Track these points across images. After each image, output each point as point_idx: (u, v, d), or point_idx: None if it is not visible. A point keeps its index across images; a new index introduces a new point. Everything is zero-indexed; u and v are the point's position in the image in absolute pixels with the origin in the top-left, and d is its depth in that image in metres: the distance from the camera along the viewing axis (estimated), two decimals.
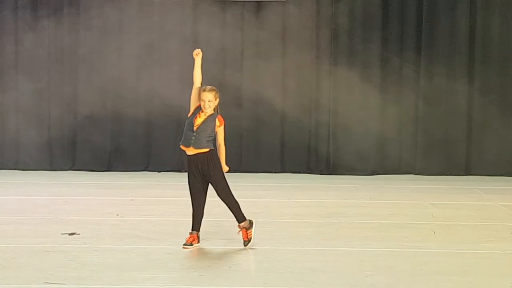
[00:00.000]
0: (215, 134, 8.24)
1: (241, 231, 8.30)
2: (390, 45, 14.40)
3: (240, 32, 14.39)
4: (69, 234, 8.82)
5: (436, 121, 14.40)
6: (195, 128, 8.14)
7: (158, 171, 14.46)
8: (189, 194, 8.31)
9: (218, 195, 8.32)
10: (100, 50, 14.19)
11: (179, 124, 14.44)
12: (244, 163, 14.52)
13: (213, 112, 8.19)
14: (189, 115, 8.25)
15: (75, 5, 14.28)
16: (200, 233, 8.37)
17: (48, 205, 10.69)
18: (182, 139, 8.24)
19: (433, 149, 14.45)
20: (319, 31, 14.40)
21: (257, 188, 12.69)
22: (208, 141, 8.19)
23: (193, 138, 8.14)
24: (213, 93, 8.18)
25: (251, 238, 8.30)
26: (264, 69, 14.34)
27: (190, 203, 8.32)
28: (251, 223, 8.35)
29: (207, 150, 8.18)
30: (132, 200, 11.33)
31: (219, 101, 8.27)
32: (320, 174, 14.40)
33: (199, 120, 8.15)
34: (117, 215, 10.08)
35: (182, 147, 8.27)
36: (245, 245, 8.24)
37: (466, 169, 14.49)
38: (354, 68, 14.31)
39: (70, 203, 10.99)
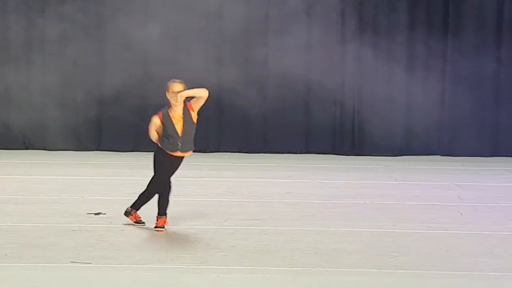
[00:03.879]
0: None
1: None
2: (416, 23, 14.26)
3: (265, 8, 14.31)
4: (95, 214, 8.88)
5: (463, 101, 14.27)
6: (180, 135, 8.08)
7: None
8: (159, 179, 8.22)
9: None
10: (125, 30, 14.19)
11: (203, 105, 14.45)
12: (269, 143, 14.50)
13: (182, 106, 8.07)
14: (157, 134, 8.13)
15: None
16: (222, 213, 8.39)
17: (75, 185, 10.77)
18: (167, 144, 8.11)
19: (460, 130, 14.33)
20: (345, 9, 14.28)
21: (282, 169, 12.68)
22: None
23: (179, 143, 8.10)
24: (183, 85, 8.07)
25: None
26: (289, 48, 14.26)
27: (156, 187, 8.24)
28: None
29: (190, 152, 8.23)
30: None
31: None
32: (346, 155, 14.35)
33: (179, 125, 8.07)
34: None
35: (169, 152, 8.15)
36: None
37: (493, 150, 14.38)
38: (380, 47, 14.20)
39: (96, 183, 11.05)
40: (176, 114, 8.11)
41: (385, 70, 14.19)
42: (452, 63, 14.23)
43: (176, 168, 8.30)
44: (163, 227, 8.21)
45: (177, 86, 8.07)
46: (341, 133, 14.50)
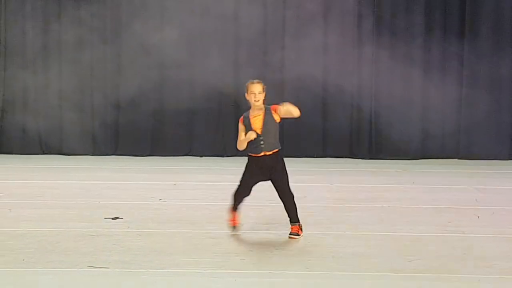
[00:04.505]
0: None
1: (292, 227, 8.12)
2: (433, 25, 14.22)
3: (281, 12, 14.33)
4: (113, 219, 8.91)
5: (480, 104, 14.22)
6: (259, 132, 7.94)
7: (200, 156, 14.52)
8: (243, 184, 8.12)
9: (279, 193, 8.09)
10: (141, 34, 14.24)
11: (221, 108, 14.51)
12: (286, 147, 14.47)
13: (263, 107, 7.95)
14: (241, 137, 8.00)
15: None
16: (242, 217, 8.38)
17: (92, 190, 10.81)
18: (251, 147, 7.98)
19: (477, 133, 14.28)
20: (361, 11, 14.27)
21: (299, 172, 12.66)
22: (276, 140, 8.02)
23: (261, 142, 7.96)
24: (262, 85, 8.02)
25: (300, 234, 8.08)
26: (305, 51, 14.27)
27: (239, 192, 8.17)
28: (302, 229, 8.15)
29: (276, 150, 8.03)
30: (175, 184, 11.40)
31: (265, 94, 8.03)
32: (363, 158, 14.33)
33: (258, 124, 7.93)
34: (160, 199, 10.15)
35: (252, 155, 8.04)
36: (289, 235, 8.05)
37: (511, 153, 14.31)
38: (396, 50, 14.18)
39: (113, 187, 11.09)
40: (256, 113, 7.95)
41: (401, 73, 14.16)
42: (468, 65, 14.17)
43: (269, 172, 8.01)
44: (298, 234, 8.06)
45: (256, 87, 7.95)
46: (358, 137, 14.48)
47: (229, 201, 8.69)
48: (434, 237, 8.15)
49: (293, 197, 8.08)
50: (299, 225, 8.12)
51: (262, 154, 7.99)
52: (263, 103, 7.99)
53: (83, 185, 11.31)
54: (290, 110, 7.85)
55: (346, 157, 14.36)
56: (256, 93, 7.94)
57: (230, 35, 14.39)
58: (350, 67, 14.30)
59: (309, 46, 14.23)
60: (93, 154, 14.50)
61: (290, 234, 8.09)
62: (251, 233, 8.27)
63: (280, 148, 8.09)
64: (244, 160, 14.36)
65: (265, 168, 8.01)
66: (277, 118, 7.97)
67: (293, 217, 8.09)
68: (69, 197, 10.25)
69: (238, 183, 8.21)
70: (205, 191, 10.77)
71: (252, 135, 7.89)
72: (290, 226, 8.13)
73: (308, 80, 14.15)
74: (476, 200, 10.29)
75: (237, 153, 14.58)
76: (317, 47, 14.27)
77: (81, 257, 7.22)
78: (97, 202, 9.94)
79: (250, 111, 8.01)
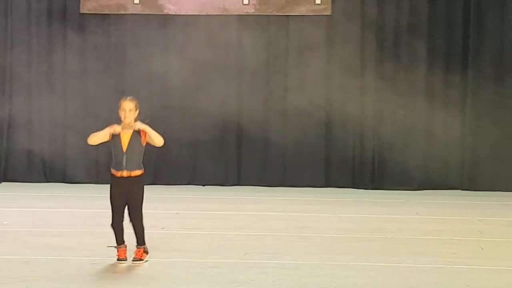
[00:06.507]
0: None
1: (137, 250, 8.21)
2: (436, 58, 14.25)
3: (284, 40, 14.39)
4: (115, 247, 8.87)
5: (484, 134, 14.17)
6: (124, 149, 8.07)
7: (203, 185, 14.51)
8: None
9: (131, 215, 8.21)
10: (145, 66, 14.29)
11: (224, 137, 14.52)
12: (288, 177, 14.49)
13: (133, 125, 8.07)
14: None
15: (120, 23, 14.43)
16: (241, 247, 8.36)
17: (95, 218, 10.78)
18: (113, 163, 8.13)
19: (481, 164, 14.21)
20: (363, 40, 14.31)
21: (301, 202, 12.66)
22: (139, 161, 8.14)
23: (125, 159, 8.07)
24: (134, 103, 8.13)
25: (143, 259, 8.17)
26: (308, 81, 14.29)
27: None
28: (147, 252, 8.27)
29: (139, 173, 8.14)
30: (177, 213, 11.39)
31: (139, 112, 8.18)
32: (365, 188, 14.29)
33: (125, 140, 8.07)
34: (162, 228, 10.13)
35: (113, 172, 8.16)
36: (133, 260, 8.13)
37: None
38: (399, 81, 14.20)
39: None
40: (126, 130, 8.08)
41: (404, 102, 14.12)
42: (472, 94, 14.14)
43: (127, 193, 8.14)
44: (141, 259, 8.16)
45: (127, 104, 8.11)
46: (360, 167, 14.45)
47: (231, 231, 8.73)
48: (437, 268, 8.11)
49: (142, 220, 8.20)
50: (144, 248, 8.21)
51: (122, 172, 8.08)
52: (135, 121, 8.12)
53: (85, 213, 11.29)
54: (152, 137, 8.09)
55: (348, 187, 14.32)
56: (126, 110, 8.11)
57: (233, 64, 14.45)
58: (353, 95, 14.30)
59: (312, 75, 14.26)
60: (96, 183, 14.47)
61: (133, 259, 8.14)
62: (252, 263, 8.24)
63: (142, 170, 8.20)
64: (245, 190, 14.36)
65: (124, 189, 8.11)
66: (143, 142, 8.14)
67: (140, 240, 8.22)
68: (72, 225, 10.24)
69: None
70: (207, 220, 10.75)
71: (117, 128, 8.05)
72: (135, 249, 8.18)
73: (311, 108, 14.16)
74: (480, 231, 10.25)
75: (239, 183, 14.69)
76: (319, 76, 14.29)
77: (84, 285, 7.20)
78: (100, 230, 9.92)
79: (122, 125, 8.13)
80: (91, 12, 14.41)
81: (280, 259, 8.35)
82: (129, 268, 7.92)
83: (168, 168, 14.62)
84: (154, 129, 8.18)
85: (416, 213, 11.67)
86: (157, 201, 12.55)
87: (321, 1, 14.20)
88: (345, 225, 10.57)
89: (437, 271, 8.00)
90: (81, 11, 14.39)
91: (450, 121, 14.18)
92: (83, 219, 10.77)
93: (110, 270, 7.83)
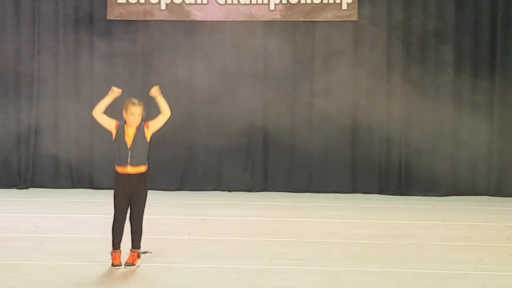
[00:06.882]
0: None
1: (131, 254, 8.19)
2: (463, 63, 14.16)
3: (310, 45, 14.37)
4: (142, 253, 8.89)
5: (511, 141, 14.08)
6: (129, 145, 8.08)
7: (229, 191, 14.51)
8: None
9: (131, 214, 8.19)
10: (172, 72, 14.34)
11: (250, 143, 14.52)
12: (314, 183, 14.46)
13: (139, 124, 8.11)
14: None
15: (147, 30, 14.48)
16: (268, 253, 8.33)
17: None
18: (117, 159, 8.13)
19: (508, 170, 14.11)
20: (390, 45, 14.26)
21: (328, 208, 12.62)
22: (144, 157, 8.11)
23: (129, 154, 8.07)
24: (142, 107, 8.15)
25: (135, 264, 8.16)
26: (334, 86, 14.25)
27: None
28: (139, 257, 8.25)
29: (144, 169, 8.12)
30: (203, 219, 11.40)
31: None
32: (392, 194, 14.23)
33: (130, 134, 8.11)
34: (188, 234, 10.14)
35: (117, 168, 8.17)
36: (125, 265, 8.11)
37: None
38: (426, 86, 14.14)
39: None
40: (130, 129, 8.13)
41: (431, 107, 14.07)
42: (500, 100, 14.05)
43: (131, 192, 8.18)
44: (133, 264, 8.16)
45: (136, 109, 8.13)
46: (387, 172, 14.39)
47: (257, 236, 8.71)
48: (465, 275, 8.05)
49: (142, 220, 8.17)
50: (138, 252, 8.19)
51: (127, 168, 8.07)
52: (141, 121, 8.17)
53: (111, 219, 11.31)
54: (161, 104, 8.21)
55: (375, 193, 14.26)
56: (135, 115, 8.14)
57: (259, 70, 14.45)
58: (379, 101, 14.24)
59: (338, 80, 14.23)
60: None
61: (125, 264, 8.11)
62: (279, 269, 8.22)
63: (147, 166, 8.17)
64: (271, 196, 14.33)
65: (128, 186, 8.12)
66: (148, 137, 8.13)
67: (136, 243, 8.19)
68: (97, 231, 10.27)
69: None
70: (233, 226, 10.75)
71: (116, 91, 8.16)
72: (130, 252, 8.17)
73: (337, 114, 14.13)
74: (507, 237, 10.16)
75: (265, 188, 14.67)
76: (346, 81, 14.26)
77: None
78: (126, 236, 9.94)
79: (126, 124, 8.17)
80: (118, 19, 14.51)
81: (307, 265, 8.32)
82: (155, 274, 7.92)
83: (195, 174, 14.65)
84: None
85: (443, 219, 11.60)
86: (184, 207, 12.59)
87: (347, 7, 14.18)
88: (372, 231, 10.52)
89: (465, 277, 7.93)
90: (108, 17, 14.50)
91: (478, 126, 14.09)
92: (109, 225, 10.78)
93: (137, 276, 7.84)
